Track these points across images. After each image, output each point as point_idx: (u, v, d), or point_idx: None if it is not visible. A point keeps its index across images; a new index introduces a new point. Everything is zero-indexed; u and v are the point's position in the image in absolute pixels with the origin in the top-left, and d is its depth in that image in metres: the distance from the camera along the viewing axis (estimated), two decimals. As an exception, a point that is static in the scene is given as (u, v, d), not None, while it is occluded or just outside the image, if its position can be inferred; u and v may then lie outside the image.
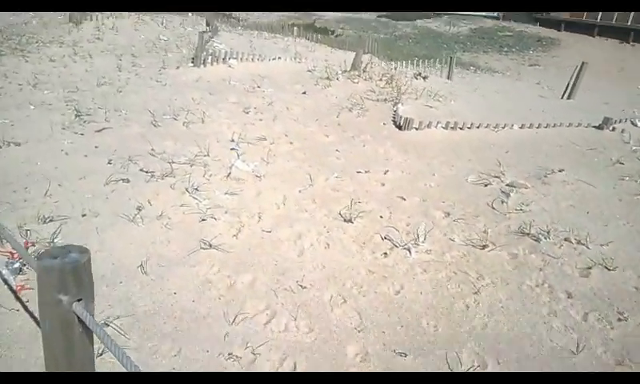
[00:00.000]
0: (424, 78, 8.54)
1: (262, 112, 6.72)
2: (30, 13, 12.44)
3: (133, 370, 1.38)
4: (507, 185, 4.80)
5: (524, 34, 27.04)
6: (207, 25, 11.18)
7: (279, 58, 9.26)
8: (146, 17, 12.00)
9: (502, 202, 4.44)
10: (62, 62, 8.44)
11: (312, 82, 8.31)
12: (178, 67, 8.56)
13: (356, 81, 8.18)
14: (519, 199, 4.50)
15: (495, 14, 33.72)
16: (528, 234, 3.81)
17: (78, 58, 8.75)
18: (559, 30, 26.62)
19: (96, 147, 5.09)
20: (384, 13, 32.84)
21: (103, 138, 5.33)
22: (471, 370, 2.53)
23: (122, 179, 4.27)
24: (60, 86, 7.21)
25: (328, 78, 8.32)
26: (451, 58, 9.93)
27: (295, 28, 13.31)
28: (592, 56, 18.65)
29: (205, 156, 5.03)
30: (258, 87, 7.87)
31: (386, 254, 3.54)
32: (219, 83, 8.02)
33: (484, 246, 3.65)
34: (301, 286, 3.10)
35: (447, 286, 3.21)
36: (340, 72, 8.72)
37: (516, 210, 4.28)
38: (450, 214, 4.17)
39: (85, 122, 5.72)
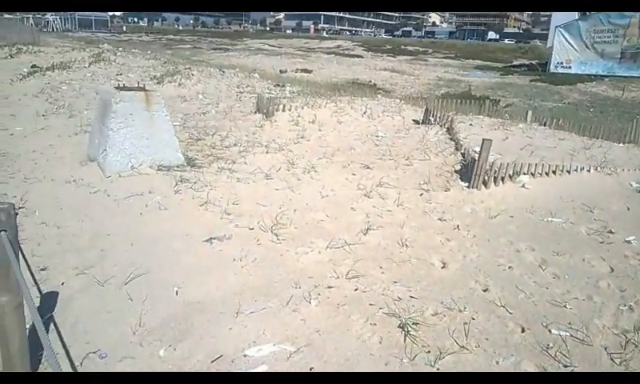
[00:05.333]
0: None
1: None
2: (206, 100, 10.72)
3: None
4: None
5: None
6: (429, 114, 8.53)
7: (581, 168, 6.20)
8: (342, 103, 9.71)
9: None
10: (283, 181, 6.06)
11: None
12: (447, 189, 5.80)
13: None
14: None
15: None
16: None
17: (300, 172, 6.35)
18: None
19: None
20: (538, 77, 29.24)
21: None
22: None
23: None
24: (310, 233, 4.67)
25: None
26: None
27: (529, 112, 10.38)
28: None
29: None
30: (611, 233, 4.80)
31: None
32: (531, 221, 5.09)
33: None
34: None
35: None
36: None
37: None
38: None
39: (428, 352, 2.95)
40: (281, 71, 24.00)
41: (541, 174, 5.97)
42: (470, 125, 8.73)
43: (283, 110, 9.01)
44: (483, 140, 5.68)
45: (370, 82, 23.06)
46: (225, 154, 6.93)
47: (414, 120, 9.15)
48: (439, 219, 5.06)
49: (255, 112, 9.20)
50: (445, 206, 5.38)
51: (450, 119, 8.19)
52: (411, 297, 3.60)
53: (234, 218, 4.94)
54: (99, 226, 4.59)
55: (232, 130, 8.16)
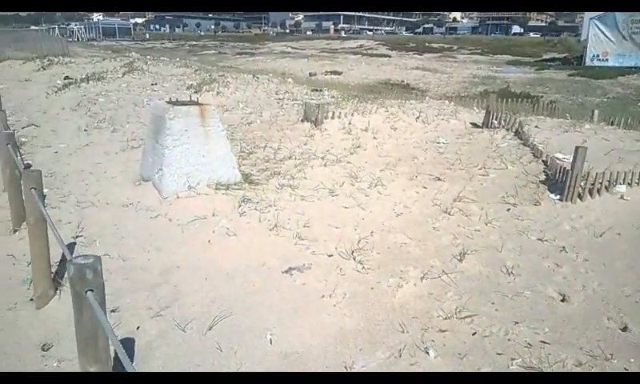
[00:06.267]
0: None
1: None
2: (248, 109, 10.32)
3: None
4: None
5: None
6: (492, 117, 7.90)
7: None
8: (393, 107, 9.17)
9: None
10: (350, 197, 5.58)
11: None
12: (536, 203, 5.23)
13: None
14: None
15: None
16: None
17: (366, 187, 5.86)
18: None
19: None
20: (575, 71, 28.13)
21: None
22: None
23: None
24: (396, 260, 4.19)
25: None
26: None
27: (595, 111, 9.67)
28: None
29: None
30: None
31: None
32: (644, 240, 4.49)
33: None
34: None
35: None
36: None
37: None
38: None
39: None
40: (310, 74, 23.57)
41: (638, 183, 5.35)
42: (536, 127, 8.11)
43: (332, 118, 8.54)
44: (577, 147, 5.10)
45: (403, 81, 22.45)
46: (281, 169, 6.49)
47: (472, 123, 8.56)
48: (539, 240, 4.51)
49: (302, 120, 8.75)
50: (539, 224, 4.82)
51: (517, 122, 7.58)
52: (542, 342, 3.07)
53: (309, 243, 4.49)
54: (167, 257, 4.18)
55: (282, 141, 7.72)
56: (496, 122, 7.91)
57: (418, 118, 8.78)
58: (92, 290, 2.13)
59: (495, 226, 4.80)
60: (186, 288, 3.74)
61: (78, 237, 4.60)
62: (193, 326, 3.28)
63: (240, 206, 5.15)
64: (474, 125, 8.53)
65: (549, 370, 2.77)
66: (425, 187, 5.88)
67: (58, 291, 3.77)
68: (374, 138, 7.83)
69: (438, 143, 7.48)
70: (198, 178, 5.66)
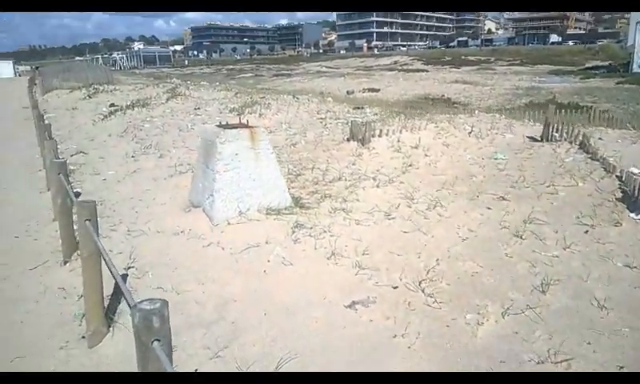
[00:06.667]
0: None
1: None
2: (292, 130, 10.16)
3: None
4: None
5: None
6: (552, 129, 7.40)
7: None
8: (443, 122, 8.80)
9: None
10: (408, 220, 5.23)
11: None
12: (617, 224, 4.73)
13: None
14: None
15: None
16: None
17: (424, 209, 5.49)
18: None
19: None
20: (622, 79, 26.85)
21: None
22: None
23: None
24: (469, 292, 3.80)
25: None
26: None
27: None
28: None
29: None
30: None
31: None
32: None
33: None
34: None
35: None
36: None
37: None
38: None
39: None
40: (348, 92, 23.42)
41: None
42: (600, 139, 7.55)
43: (379, 136, 8.24)
44: (662, 162, 4.60)
45: (443, 96, 21.95)
46: (332, 191, 6.22)
47: (529, 137, 8.07)
48: (627, 266, 4.03)
49: (348, 139, 8.49)
50: (624, 247, 4.33)
51: (581, 134, 7.05)
52: (659, 392, 2.63)
53: (370, 273, 4.17)
54: (222, 290, 3.96)
55: (330, 162, 7.47)
56: (557, 135, 7.41)
57: (470, 132, 8.37)
58: (159, 340, 1.93)
59: (575, 251, 4.34)
60: (245, 324, 3.49)
61: (129, 268, 4.46)
62: (255, 370, 3.01)
63: (293, 232, 4.90)
64: (532, 138, 8.03)
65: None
66: (489, 208, 5.47)
67: (110, 328, 3.59)
68: (426, 155, 7.47)
69: (496, 159, 7.05)
70: (248, 203, 5.46)
